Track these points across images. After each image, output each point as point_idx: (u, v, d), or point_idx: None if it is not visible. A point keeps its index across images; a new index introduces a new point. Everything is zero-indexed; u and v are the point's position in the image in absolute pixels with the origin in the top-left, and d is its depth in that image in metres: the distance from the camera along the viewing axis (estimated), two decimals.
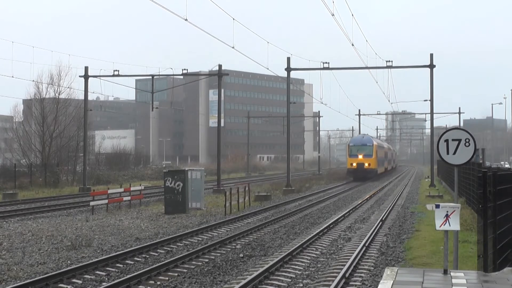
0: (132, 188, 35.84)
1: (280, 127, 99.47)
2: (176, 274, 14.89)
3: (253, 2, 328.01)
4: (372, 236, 20.89)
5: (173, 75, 57.78)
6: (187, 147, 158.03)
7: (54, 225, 24.89)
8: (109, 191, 33.39)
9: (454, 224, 11.63)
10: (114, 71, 49.26)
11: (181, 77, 70.46)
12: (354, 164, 65.92)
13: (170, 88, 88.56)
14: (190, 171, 31.40)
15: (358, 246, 18.53)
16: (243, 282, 13.33)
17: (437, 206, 11.80)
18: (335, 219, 26.61)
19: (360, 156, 65.77)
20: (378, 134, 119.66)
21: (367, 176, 65.02)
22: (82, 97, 55.46)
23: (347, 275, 14.30)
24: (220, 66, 49.21)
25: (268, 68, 45.21)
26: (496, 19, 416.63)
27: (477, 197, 17.75)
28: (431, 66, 48.98)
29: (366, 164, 65.55)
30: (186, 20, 27.86)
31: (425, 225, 24.16)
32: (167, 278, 14.40)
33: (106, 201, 31.85)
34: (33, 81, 62.90)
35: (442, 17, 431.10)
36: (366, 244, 19.10)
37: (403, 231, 22.97)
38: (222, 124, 51.40)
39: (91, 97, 69.43)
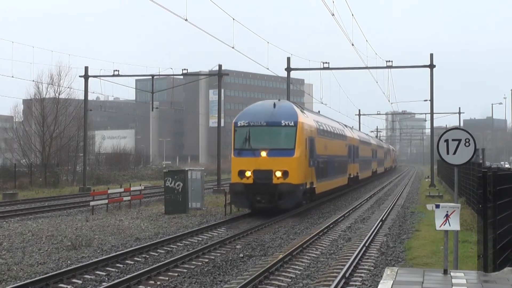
0: (132, 188, 35.82)
1: None
2: (176, 274, 14.88)
3: (253, 2, 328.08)
4: (372, 236, 20.89)
5: (173, 75, 57.77)
6: (187, 147, 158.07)
7: (54, 225, 24.88)
8: (109, 191, 33.38)
9: (454, 224, 11.63)
10: (114, 71, 49.27)
11: (181, 77, 70.34)
12: (248, 174, 27.45)
13: (170, 88, 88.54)
14: (190, 171, 31.41)
15: (358, 246, 18.53)
16: (243, 282, 13.33)
17: (437, 206, 11.81)
18: (335, 219, 26.60)
19: (264, 154, 27.60)
20: (378, 134, 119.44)
21: (281, 204, 27.34)
22: (82, 97, 55.50)
23: (347, 275, 14.30)
24: (220, 66, 49.19)
25: (268, 68, 45.19)
26: (497, 19, 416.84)
27: (477, 197, 17.76)
28: (431, 66, 48.95)
29: (278, 174, 27.24)
30: (186, 20, 27.84)
31: (425, 225, 24.15)
32: (167, 278, 14.39)
33: (106, 201, 31.84)
34: (33, 81, 62.98)
35: (442, 17, 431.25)
36: (366, 244, 19.10)
37: (403, 231, 22.97)
38: (222, 124, 51.39)
39: (91, 97, 69.43)
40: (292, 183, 26.98)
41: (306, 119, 29.77)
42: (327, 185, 35.22)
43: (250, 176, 27.22)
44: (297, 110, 29.05)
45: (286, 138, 27.90)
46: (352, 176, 45.86)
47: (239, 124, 28.42)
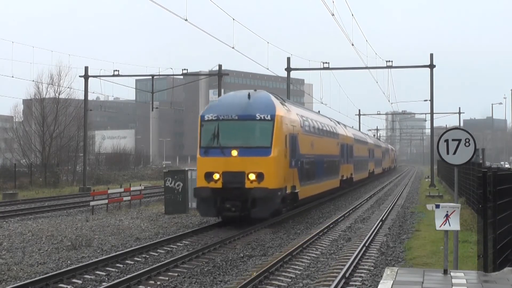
0: (132, 188, 35.82)
1: None
2: (176, 274, 14.88)
3: (253, 2, 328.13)
4: (372, 236, 20.90)
5: (173, 75, 57.78)
6: (187, 147, 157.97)
7: (54, 225, 24.89)
8: (109, 191, 33.38)
9: (454, 224, 11.63)
10: (114, 71, 49.31)
11: (181, 77, 70.39)
12: (216, 177, 23.58)
13: (170, 88, 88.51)
14: (190, 171, 31.38)
15: (358, 246, 18.53)
16: (243, 282, 13.33)
17: (437, 206, 11.81)
18: (335, 219, 26.60)
19: (234, 153, 23.81)
20: (378, 134, 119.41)
21: (255, 213, 23.45)
22: (82, 97, 55.56)
23: (347, 275, 14.30)
24: (220, 66, 49.20)
25: (268, 68, 45.28)
26: (497, 19, 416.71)
27: (477, 197, 17.76)
28: (431, 66, 48.97)
29: (252, 176, 23.46)
30: (186, 20, 27.85)
31: (425, 225, 24.16)
32: (167, 278, 14.39)
33: (106, 201, 31.84)
34: (33, 81, 63.07)
35: (442, 17, 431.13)
36: (366, 244, 19.11)
37: (403, 231, 22.97)
38: None
39: (91, 97, 69.46)
40: (268, 187, 23.21)
41: (287, 113, 25.95)
42: (314, 188, 31.33)
43: (218, 179, 23.47)
44: (276, 101, 25.23)
45: (261, 135, 24.08)
46: (345, 178, 42.36)
47: (206, 118, 24.55)
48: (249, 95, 25.01)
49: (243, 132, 24.13)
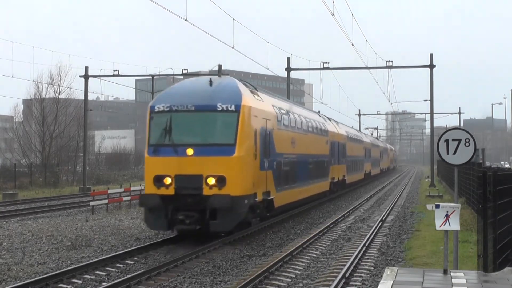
0: (132, 188, 35.82)
1: None
2: (176, 274, 14.88)
3: (253, 2, 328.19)
4: (372, 236, 20.90)
5: (173, 75, 57.80)
6: None
7: (54, 225, 24.89)
8: (109, 191, 33.38)
9: (454, 224, 11.64)
10: (114, 71, 49.38)
11: (181, 77, 70.35)
12: (167, 181, 19.45)
13: None
14: None
15: (358, 246, 18.53)
16: (243, 282, 13.33)
17: (437, 206, 11.81)
18: (335, 219, 26.60)
19: (190, 152, 19.52)
20: (378, 134, 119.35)
21: (215, 226, 19.14)
22: (82, 97, 55.64)
23: (347, 275, 14.30)
24: (220, 66, 49.16)
25: (268, 68, 45.25)
26: (497, 19, 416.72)
27: (477, 197, 17.77)
28: (431, 66, 48.98)
29: (211, 181, 19.21)
30: (186, 20, 27.83)
31: (425, 225, 24.16)
32: (167, 278, 14.39)
33: (106, 201, 31.84)
34: (33, 81, 63.12)
35: (442, 17, 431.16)
36: (366, 244, 19.11)
37: (403, 231, 22.98)
38: None
39: (91, 97, 69.54)
40: (231, 194, 18.86)
41: (258, 103, 21.77)
42: (295, 194, 27.00)
43: (170, 185, 19.27)
44: (243, 89, 20.95)
45: (223, 129, 19.78)
46: (336, 180, 38.36)
47: (156, 109, 20.19)
48: (210, 81, 20.72)
49: (201, 126, 19.82)
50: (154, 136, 20.08)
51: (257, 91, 23.19)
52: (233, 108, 19.68)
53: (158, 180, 19.41)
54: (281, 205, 24.58)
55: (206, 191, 19.06)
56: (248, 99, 20.67)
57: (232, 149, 19.39)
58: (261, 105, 22.14)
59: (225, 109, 19.67)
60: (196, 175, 19.14)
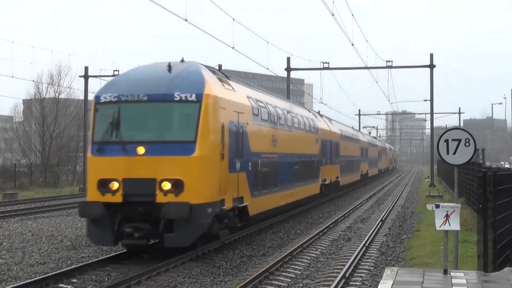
0: None
1: None
2: (176, 274, 14.88)
3: (253, 2, 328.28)
4: (372, 236, 20.90)
5: None
6: None
7: (54, 225, 24.89)
8: None
9: (454, 224, 11.64)
10: (114, 71, 49.35)
11: None
12: (114, 186, 15.98)
13: None
14: None
15: (358, 246, 18.54)
16: (243, 282, 13.33)
17: (437, 206, 11.81)
18: (335, 219, 26.61)
19: (141, 150, 16.06)
20: (378, 134, 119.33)
21: (170, 240, 15.78)
22: (82, 97, 55.64)
23: (347, 275, 14.30)
24: (220, 66, 49.11)
25: (268, 68, 45.18)
26: (497, 19, 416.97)
27: (477, 197, 17.77)
28: (431, 66, 48.99)
29: (166, 186, 15.74)
30: (186, 20, 27.81)
31: (425, 225, 24.17)
32: (167, 278, 14.39)
33: None
34: (33, 81, 63.17)
35: (442, 17, 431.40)
36: (366, 244, 19.11)
37: (403, 231, 22.98)
38: None
39: (91, 97, 69.45)
40: (191, 201, 15.57)
41: (228, 93, 18.35)
42: (276, 199, 23.53)
43: (117, 190, 15.96)
44: (208, 76, 17.57)
45: (181, 123, 16.54)
46: (328, 182, 35.41)
47: (102, 100, 16.91)
48: (169, 66, 17.46)
49: (155, 119, 16.49)
50: (99, 132, 16.77)
51: (229, 79, 19.87)
52: (193, 97, 16.31)
53: (103, 185, 16.08)
54: (258, 213, 21.05)
55: (160, 198, 15.73)
56: (214, 87, 17.19)
57: (191, 147, 16.00)
58: (232, 96, 18.66)
59: (184, 99, 16.30)
60: (148, 179, 15.83)
